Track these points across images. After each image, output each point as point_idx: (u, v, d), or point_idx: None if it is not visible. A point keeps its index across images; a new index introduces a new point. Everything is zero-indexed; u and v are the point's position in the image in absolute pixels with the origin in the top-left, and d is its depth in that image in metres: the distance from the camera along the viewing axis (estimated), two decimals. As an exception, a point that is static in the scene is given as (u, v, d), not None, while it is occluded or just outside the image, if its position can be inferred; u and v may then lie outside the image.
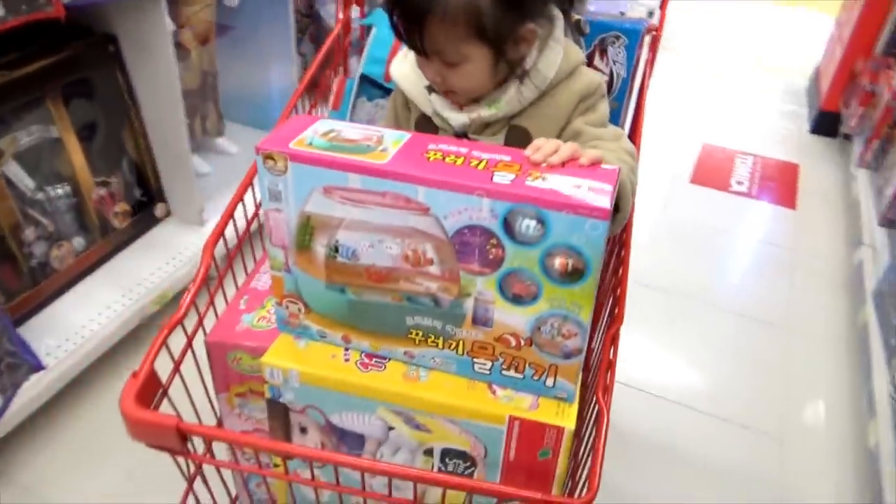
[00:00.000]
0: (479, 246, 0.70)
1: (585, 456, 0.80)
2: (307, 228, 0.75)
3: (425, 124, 1.03)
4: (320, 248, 0.76)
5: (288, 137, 0.74)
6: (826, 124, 3.45)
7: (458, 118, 0.97)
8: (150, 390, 0.74)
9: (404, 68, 1.04)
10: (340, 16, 1.35)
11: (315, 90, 1.33)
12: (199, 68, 2.29)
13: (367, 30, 1.34)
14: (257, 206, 1.04)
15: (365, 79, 1.28)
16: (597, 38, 1.21)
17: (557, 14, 0.97)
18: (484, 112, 0.96)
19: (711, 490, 1.72)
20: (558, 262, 0.69)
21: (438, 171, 0.69)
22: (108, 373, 1.86)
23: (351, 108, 1.28)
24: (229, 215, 1.01)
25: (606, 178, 0.69)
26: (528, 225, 0.68)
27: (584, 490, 0.70)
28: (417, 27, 0.86)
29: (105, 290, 1.93)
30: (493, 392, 0.79)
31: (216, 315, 0.96)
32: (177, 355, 0.85)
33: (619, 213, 0.84)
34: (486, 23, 0.86)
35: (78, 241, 1.93)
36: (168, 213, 2.25)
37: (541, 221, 0.67)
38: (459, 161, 0.71)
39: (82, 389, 1.81)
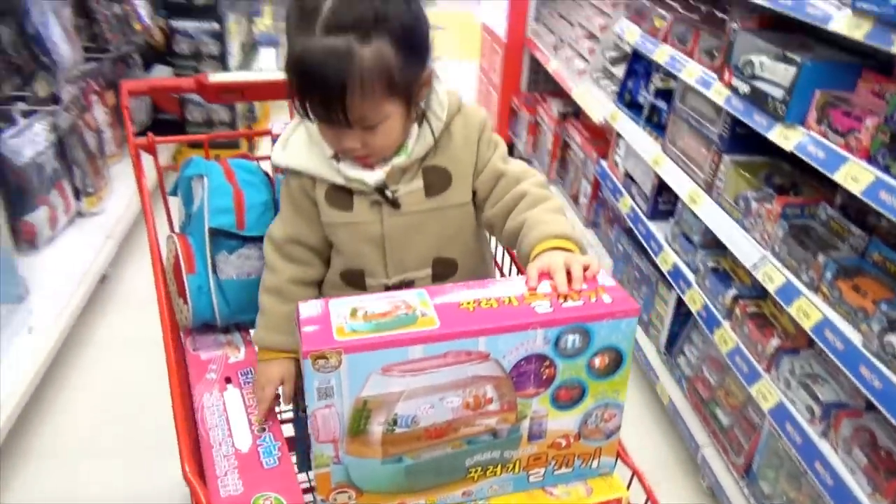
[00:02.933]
0: (535, 371, 0.77)
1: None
2: (363, 413, 0.73)
3: (336, 194, 1.05)
4: (377, 428, 0.75)
5: (324, 331, 0.71)
6: (504, 153, 4.05)
7: (373, 176, 1.02)
8: None
9: (294, 153, 1.06)
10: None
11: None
12: None
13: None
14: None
15: (216, 233, 1.20)
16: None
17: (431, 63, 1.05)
18: (397, 161, 1.02)
19: None
20: (598, 361, 0.79)
21: (487, 318, 0.74)
22: None
23: (211, 268, 1.19)
24: (183, 422, 0.88)
25: (608, 281, 0.82)
26: (573, 340, 0.77)
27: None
28: (339, 102, 0.89)
29: None
30: (550, 493, 0.86)
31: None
32: None
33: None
34: (397, 77, 0.92)
35: None
36: None
37: (584, 334, 0.76)
38: (495, 304, 0.76)
39: None
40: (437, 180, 1.05)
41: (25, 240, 2.48)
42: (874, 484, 1.41)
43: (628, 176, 2.57)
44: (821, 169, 1.50)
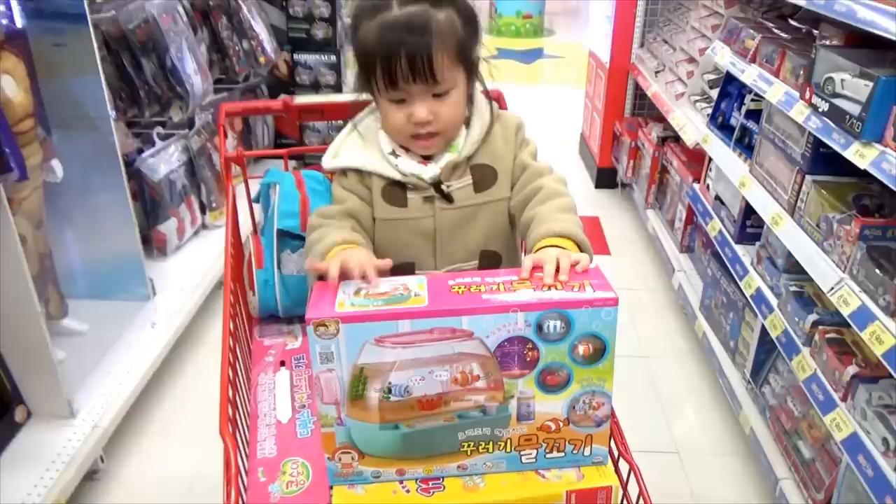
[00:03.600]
0: (518, 353, 0.84)
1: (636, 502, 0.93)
2: (360, 379, 0.83)
3: (392, 190, 1.15)
4: (374, 394, 0.84)
5: (328, 304, 0.82)
6: (606, 179, 4.05)
7: (429, 171, 1.13)
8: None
9: (349, 156, 1.18)
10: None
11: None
12: (36, 253, 2.15)
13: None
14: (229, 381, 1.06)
15: (283, 234, 1.35)
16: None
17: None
18: (450, 157, 1.13)
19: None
20: (582, 348, 0.84)
21: (472, 301, 0.82)
22: None
23: (276, 264, 1.35)
24: (226, 391, 1.02)
25: (597, 275, 0.87)
26: (554, 325, 0.83)
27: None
28: (425, 58, 1.01)
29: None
30: (543, 476, 0.91)
31: (244, 491, 0.96)
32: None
33: (586, 251, 1.01)
34: (463, 43, 1.07)
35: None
36: (29, 415, 2.05)
37: (565, 320, 0.82)
38: (483, 289, 0.84)
39: None
40: (483, 177, 1.15)
41: (157, 247, 2.82)
42: (947, 523, 1.31)
43: (718, 199, 2.52)
44: (894, 186, 1.44)
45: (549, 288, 0.85)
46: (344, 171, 1.19)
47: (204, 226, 3.11)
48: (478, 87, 1.17)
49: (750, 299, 2.13)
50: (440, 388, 0.85)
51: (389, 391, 0.84)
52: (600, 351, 0.85)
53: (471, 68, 1.11)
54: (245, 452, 1.03)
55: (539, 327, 0.83)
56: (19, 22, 2.09)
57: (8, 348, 1.97)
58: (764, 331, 2.13)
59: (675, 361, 2.64)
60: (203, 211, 3.08)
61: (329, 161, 1.20)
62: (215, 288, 2.90)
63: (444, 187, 1.13)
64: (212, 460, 2.10)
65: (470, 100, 1.15)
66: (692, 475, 2.13)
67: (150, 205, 2.75)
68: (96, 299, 2.48)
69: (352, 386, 0.84)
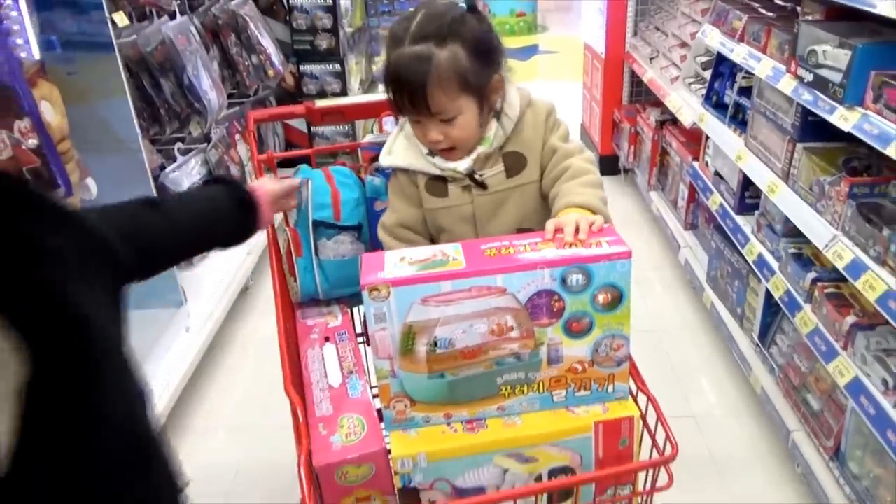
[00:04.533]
0: (546, 304, 0.96)
1: (654, 429, 1.05)
2: (409, 335, 0.96)
3: (434, 184, 1.29)
4: (422, 348, 0.97)
5: (378, 271, 0.95)
6: (609, 166, 4.17)
7: (463, 164, 1.26)
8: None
9: (398, 155, 1.32)
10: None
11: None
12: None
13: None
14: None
15: (318, 224, 1.48)
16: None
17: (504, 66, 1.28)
18: (482, 150, 1.25)
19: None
20: (601, 297, 0.97)
21: (504, 261, 0.95)
22: None
23: (314, 251, 1.48)
24: (285, 357, 1.15)
25: (611, 233, 1.00)
26: (577, 279, 0.95)
27: (667, 449, 0.97)
28: (422, 96, 1.14)
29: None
30: (573, 412, 1.04)
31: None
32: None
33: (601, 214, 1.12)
34: (469, 76, 1.16)
35: None
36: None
37: (586, 274, 0.95)
38: (512, 250, 0.97)
39: None
40: (514, 163, 1.27)
41: (184, 257, 2.95)
42: (944, 449, 1.43)
43: (717, 174, 2.64)
44: (874, 144, 1.56)
45: (570, 246, 0.97)
46: (395, 171, 1.34)
47: (226, 234, 3.24)
48: (509, 88, 1.27)
49: (753, 265, 2.25)
50: (479, 339, 0.97)
51: (435, 344, 0.97)
52: (618, 299, 0.97)
53: (482, 93, 1.21)
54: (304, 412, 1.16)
55: (563, 281, 0.95)
56: (37, 54, 2.23)
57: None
58: (768, 295, 2.25)
59: (686, 333, 2.76)
60: (225, 220, 3.22)
61: (385, 158, 1.34)
62: (242, 293, 3.04)
63: (477, 176, 1.26)
64: (253, 453, 2.25)
65: (489, 106, 1.25)
66: (709, 437, 2.25)
67: (176, 217, 2.89)
68: (131, 308, 2.61)
69: (402, 341, 0.96)
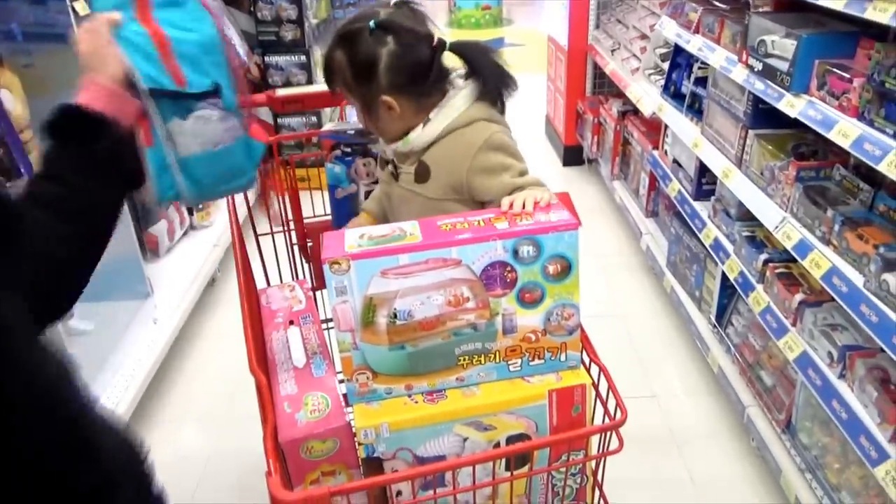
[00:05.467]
0: (500, 275, 1.00)
1: (606, 396, 1.10)
2: (370, 307, 0.99)
3: (381, 161, 1.45)
4: (382, 320, 1.00)
5: (339, 247, 0.98)
6: (573, 156, 4.24)
7: (389, 150, 1.35)
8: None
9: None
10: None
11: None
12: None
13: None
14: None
15: (157, 95, 0.97)
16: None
17: (463, 88, 1.29)
18: (397, 145, 1.32)
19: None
20: (552, 268, 1.01)
21: (458, 234, 0.99)
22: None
23: (166, 139, 0.99)
24: (249, 338, 1.17)
25: (559, 207, 1.04)
26: (528, 250, 0.99)
27: (617, 414, 1.02)
28: (327, 80, 1.32)
29: None
30: (528, 381, 1.08)
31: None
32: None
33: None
34: (352, 86, 1.28)
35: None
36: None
37: (536, 245, 0.99)
38: (466, 225, 1.01)
39: None
40: (422, 172, 1.32)
41: (149, 248, 2.94)
42: (883, 414, 1.51)
43: (676, 162, 2.72)
44: (818, 129, 1.64)
45: (521, 219, 1.02)
46: None
47: (192, 226, 3.24)
48: (462, 93, 1.29)
49: (710, 249, 2.33)
50: (437, 310, 1.01)
51: (395, 316, 1.00)
52: (567, 269, 1.02)
53: (366, 104, 1.29)
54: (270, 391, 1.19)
55: (515, 252, 0.99)
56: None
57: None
58: (724, 277, 2.32)
59: (648, 317, 2.84)
60: (190, 212, 3.21)
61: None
62: (209, 285, 3.04)
63: (390, 168, 1.38)
64: (223, 439, 2.26)
65: (376, 116, 1.30)
66: (669, 415, 2.32)
67: (141, 209, 2.87)
68: (98, 300, 2.60)
69: (363, 314, 1.00)
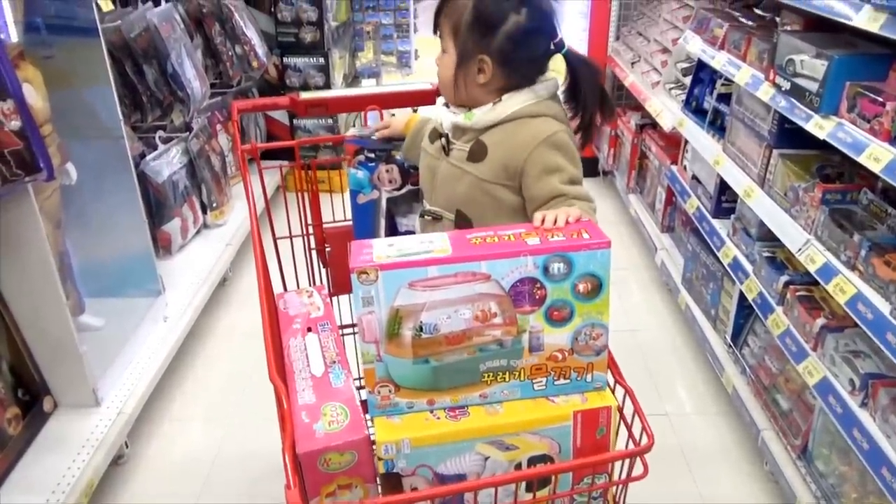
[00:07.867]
0: (529, 292, 0.98)
1: (631, 420, 1.08)
2: (396, 319, 0.97)
3: (434, 132, 1.41)
4: (407, 332, 0.98)
5: (367, 257, 0.96)
6: (588, 168, 4.21)
7: (447, 120, 1.34)
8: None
9: (433, 109, 1.45)
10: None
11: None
12: (56, 251, 2.27)
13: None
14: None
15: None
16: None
17: (547, 82, 1.31)
18: (460, 119, 1.31)
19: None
20: (582, 286, 0.99)
21: (488, 248, 0.97)
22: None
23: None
24: (269, 345, 1.16)
25: (591, 225, 1.02)
26: (558, 267, 0.97)
27: (643, 440, 0.99)
28: (439, 13, 1.30)
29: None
30: (553, 401, 1.06)
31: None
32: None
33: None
34: (461, 30, 1.25)
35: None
36: (56, 405, 2.16)
37: (567, 262, 0.97)
38: (496, 239, 0.99)
39: None
40: (478, 151, 1.31)
41: (162, 246, 2.93)
42: (906, 446, 1.48)
43: (695, 178, 2.69)
44: (848, 153, 1.61)
45: (553, 236, 1.00)
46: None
47: (205, 225, 3.23)
48: (541, 85, 1.30)
49: (728, 268, 2.30)
50: (464, 325, 0.99)
51: (421, 329, 0.98)
52: (597, 288, 1.00)
53: (462, 55, 1.27)
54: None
55: (546, 269, 0.97)
56: (15, 36, 2.20)
57: (35, 342, 2.08)
58: (741, 297, 2.29)
59: (661, 333, 2.81)
60: (204, 211, 3.20)
61: (427, 110, 1.50)
62: (220, 284, 3.02)
63: (442, 141, 1.35)
64: (229, 441, 2.24)
65: (464, 74, 1.29)
66: (681, 434, 2.29)
67: (155, 206, 2.86)
68: (109, 297, 2.59)
69: (389, 325, 0.98)
